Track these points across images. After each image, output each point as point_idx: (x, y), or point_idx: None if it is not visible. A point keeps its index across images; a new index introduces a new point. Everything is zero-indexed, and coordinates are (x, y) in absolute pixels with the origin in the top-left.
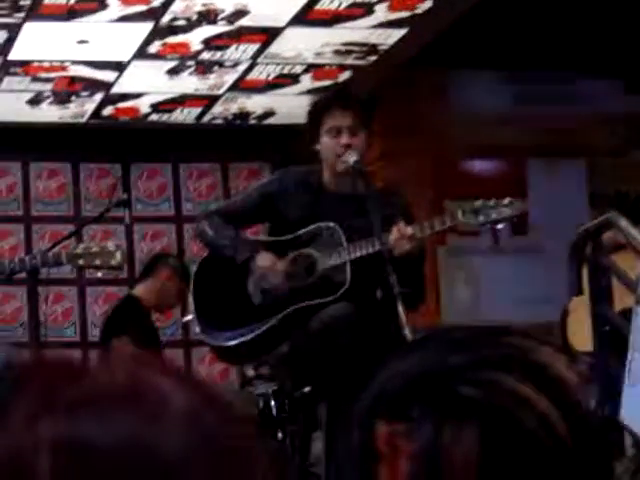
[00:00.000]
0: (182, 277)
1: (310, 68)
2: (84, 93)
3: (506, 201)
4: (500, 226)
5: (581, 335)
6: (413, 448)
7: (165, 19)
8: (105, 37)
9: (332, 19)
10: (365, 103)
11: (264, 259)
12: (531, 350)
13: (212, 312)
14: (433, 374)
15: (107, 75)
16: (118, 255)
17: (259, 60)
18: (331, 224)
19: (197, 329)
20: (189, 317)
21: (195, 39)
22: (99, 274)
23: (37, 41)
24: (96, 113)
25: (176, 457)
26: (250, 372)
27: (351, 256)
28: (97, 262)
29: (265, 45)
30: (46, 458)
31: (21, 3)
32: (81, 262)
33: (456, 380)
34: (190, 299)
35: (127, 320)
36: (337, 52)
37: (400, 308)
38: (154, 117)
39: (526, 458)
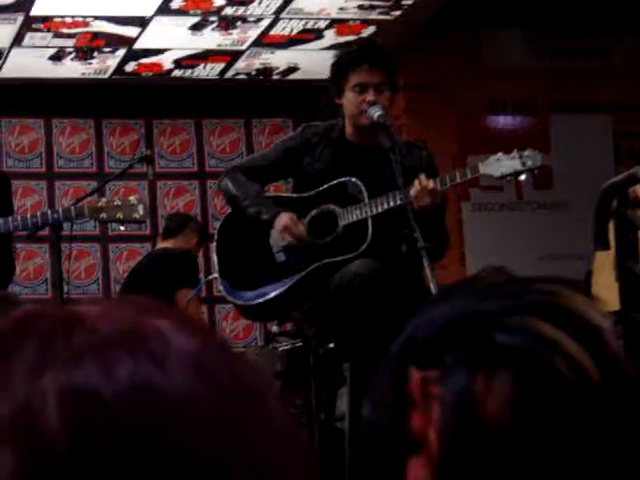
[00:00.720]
0: (203, 241)
1: (334, 23)
2: (107, 49)
3: (527, 152)
4: (523, 177)
5: (607, 297)
6: (446, 394)
7: None
8: None
9: None
10: (391, 61)
11: (282, 219)
12: (564, 296)
13: (236, 271)
14: (466, 320)
15: (130, 31)
16: (140, 208)
17: (282, 15)
18: (353, 179)
19: (221, 288)
20: (213, 275)
21: None
22: (122, 228)
23: None
24: (119, 69)
25: (181, 399)
26: (274, 328)
27: (373, 211)
28: (119, 215)
29: (288, 0)
30: (54, 410)
31: None
32: (103, 215)
33: (489, 326)
34: (214, 258)
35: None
36: (361, 7)
37: (426, 263)
38: (177, 73)
39: (559, 403)
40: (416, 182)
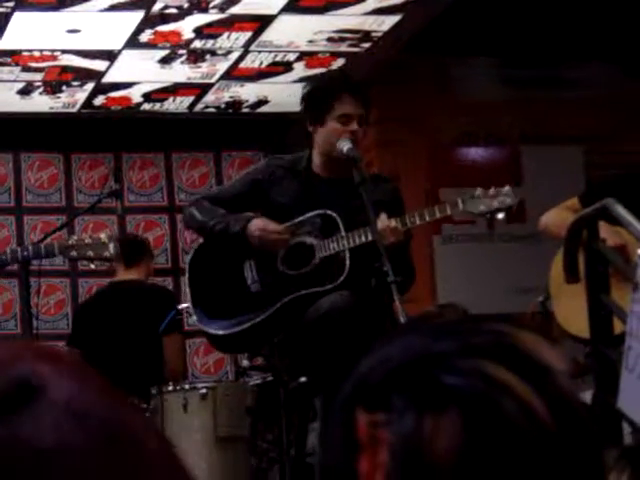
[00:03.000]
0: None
1: (303, 56)
2: (75, 83)
3: (505, 189)
4: (501, 215)
5: (577, 321)
6: (393, 438)
7: (156, 7)
8: (96, 26)
9: (324, 6)
10: (368, 96)
11: (254, 224)
12: (515, 337)
13: (210, 301)
14: (415, 362)
15: (98, 64)
16: (111, 247)
17: (251, 48)
18: (328, 211)
19: (194, 318)
20: (185, 305)
21: (187, 27)
22: (92, 265)
23: (27, 31)
24: (87, 103)
25: (51, 447)
26: (245, 362)
27: (350, 244)
28: (90, 253)
29: (257, 33)
30: None
31: None
32: (74, 253)
33: (438, 368)
34: (187, 288)
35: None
36: (330, 39)
37: (396, 296)
38: (146, 106)
39: (507, 446)
40: (379, 221)
